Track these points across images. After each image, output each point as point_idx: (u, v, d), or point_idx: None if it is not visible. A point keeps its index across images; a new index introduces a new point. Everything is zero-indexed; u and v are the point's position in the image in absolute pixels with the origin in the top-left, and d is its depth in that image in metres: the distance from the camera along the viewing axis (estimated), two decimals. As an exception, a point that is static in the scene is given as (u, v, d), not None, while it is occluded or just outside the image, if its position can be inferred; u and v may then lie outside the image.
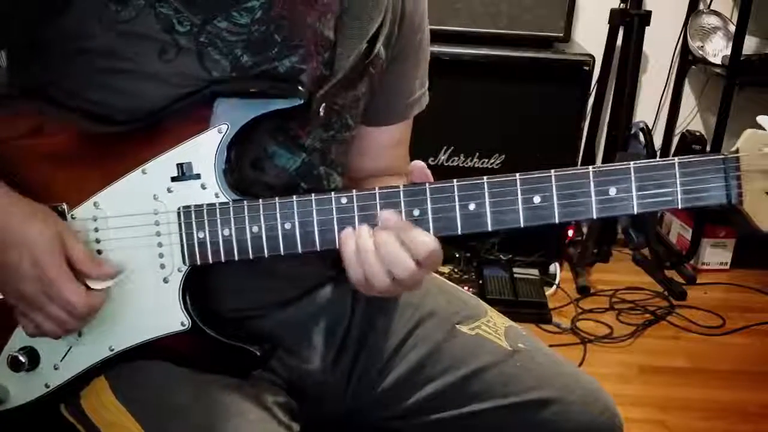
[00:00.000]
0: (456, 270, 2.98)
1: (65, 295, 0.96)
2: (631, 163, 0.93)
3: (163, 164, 1.01)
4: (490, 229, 0.96)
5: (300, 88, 1.02)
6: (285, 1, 1.03)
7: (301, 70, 1.06)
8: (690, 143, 3.24)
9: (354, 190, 0.98)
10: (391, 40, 1.17)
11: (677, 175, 0.92)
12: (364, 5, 1.10)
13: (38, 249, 0.96)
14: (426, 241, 0.94)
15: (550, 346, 1.26)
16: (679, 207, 0.93)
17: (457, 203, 0.96)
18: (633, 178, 0.93)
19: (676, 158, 0.92)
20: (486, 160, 3.01)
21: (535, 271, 3.01)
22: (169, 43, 0.99)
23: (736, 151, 0.91)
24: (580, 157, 3.29)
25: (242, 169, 1.05)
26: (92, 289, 0.99)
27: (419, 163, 0.99)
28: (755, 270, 3.28)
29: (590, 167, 0.94)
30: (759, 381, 2.55)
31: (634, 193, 0.93)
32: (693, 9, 3.24)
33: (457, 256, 2.99)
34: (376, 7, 1.11)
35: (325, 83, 1.07)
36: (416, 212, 0.97)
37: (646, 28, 3.08)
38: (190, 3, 0.99)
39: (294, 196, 0.99)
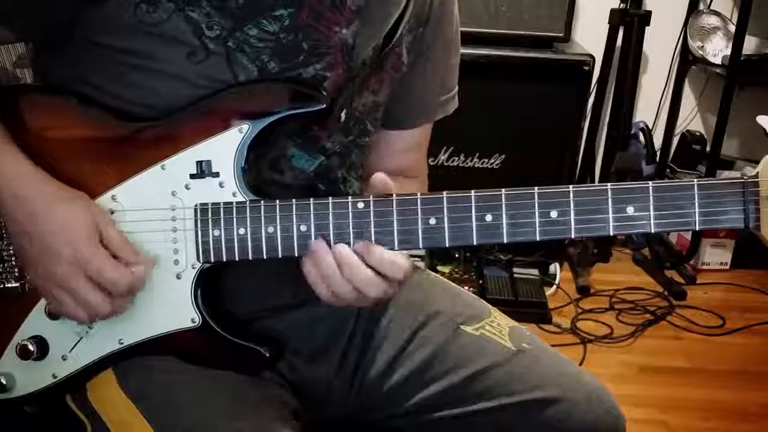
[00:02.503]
0: (456, 270, 2.97)
1: (107, 273, 0.97)
2: (650, 182, 0.93)
3: (183, 161, 1.01)
4: (505, 241, 0.96)
5: (322, 92, 1.02)
6: (312, 10, 1.04)
7: (325, 77, 1.07)
8: (690, 143, 3.26)
9: (371, 195, 0.98)
10: (414, 43, 1.17)
11: (696, 197, 0.92)
12: (382, 2, 1.10)
13: (73, 230, 0.96)
14: (396, 260, 0.97)
15: (551, 346, 1.27)
16: (696, 228, 0.94)
17: (473, 214, 0.96)
18: (651, 198, 0.93)
19: (695, 180, 0.93)
20: (486, 160, 3.00)
21: (535, 271, 3.03)
22: (198, 47, 1.00)
23: (756, 176, 0.92)
24: (580, 157, 3.30)
25: (261, 169, 1.05)
26: None
27: (380, 176, 0.98)
28: (755, 270, 3.28)
29: (608, 185, 0.94)
30: (759, 381, 2.55)
31: (651, 212, 0.93)
32: (693, 9, 3.25)
33: (457, 256, 2.99)
34: (393, 3, 1.10)
35: (345, 85, 1.08)
36: (432, 221, 0.97)
37: (646, 28, 3.09)
38: (222, 9, 1.00)
39: (311, 199, 0.99)
